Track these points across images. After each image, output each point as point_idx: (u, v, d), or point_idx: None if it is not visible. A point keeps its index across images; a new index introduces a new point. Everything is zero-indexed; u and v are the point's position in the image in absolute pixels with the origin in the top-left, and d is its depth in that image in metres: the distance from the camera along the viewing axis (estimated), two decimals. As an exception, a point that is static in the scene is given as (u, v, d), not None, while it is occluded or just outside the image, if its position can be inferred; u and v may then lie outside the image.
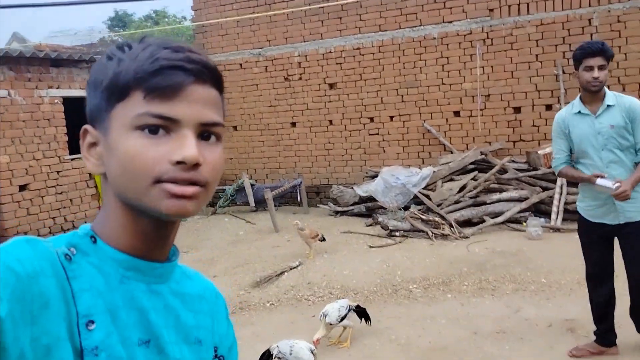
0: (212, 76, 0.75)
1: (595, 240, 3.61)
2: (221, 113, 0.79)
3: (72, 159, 8.15)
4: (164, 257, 0.80)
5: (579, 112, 3.51)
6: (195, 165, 0.70)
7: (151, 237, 0.76)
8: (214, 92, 0.76)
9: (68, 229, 8.03)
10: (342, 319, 4.12)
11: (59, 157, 8.00)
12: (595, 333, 3.83)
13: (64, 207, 8.04)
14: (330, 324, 4.04)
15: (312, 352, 3.70)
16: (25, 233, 7.44)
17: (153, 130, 0.70)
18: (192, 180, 0.71)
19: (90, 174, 8.41)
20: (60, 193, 8.00)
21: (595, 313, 3.83)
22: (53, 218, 7.89)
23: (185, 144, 0.70)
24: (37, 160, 7.69)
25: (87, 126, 0.76)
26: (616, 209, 3.41)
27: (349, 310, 4.20)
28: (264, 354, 3.75)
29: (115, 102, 0.72)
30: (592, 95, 3.44)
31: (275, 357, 3.70)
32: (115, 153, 0.71)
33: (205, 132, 0.74)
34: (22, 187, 7.49)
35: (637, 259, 3.49)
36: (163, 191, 0.70)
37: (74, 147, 8.23)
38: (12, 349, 0.57)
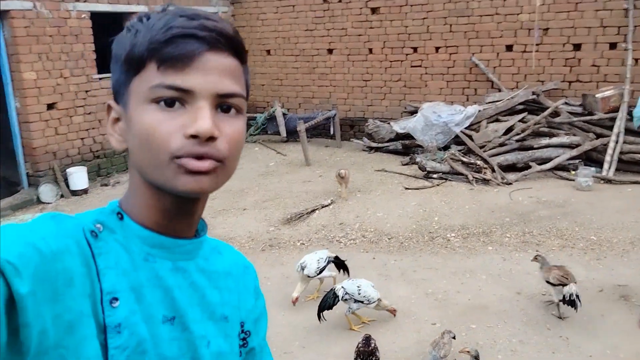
0: (229, 44, 0.71)
1: None
2: (242, 83, 0.74)
3: (100, 79, 7.85)
4: (191, 233, 0.79)
5: None
6: (211, 139, 0.68)
7: (175, 213, 0.74)
8: (232, 61, 0.72)
9: (97, 151, 7.90)
10: (321, 271, 3.88)
11: (87, 75, 7.69)
12: None
13: (93, 128, 7.83)
14: (309, 277, 3.80)
15: (373, 287, 3.63)
16: (54, 153, 7.32)
17: (169, 103, 0.68)
18: (208, 154, 0.68)
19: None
20: (89, 113, 7.77)
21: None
22: (82, 139, 7.71)
23: (199, 116, 0.67)
24: (64, 78, 7.40)
25: (110, 102, 0.75)
26: None
27: (328, 261, 3.95)
28: (327, 297, 3.63)
29: (132, 76, 0.70)
30: None
31: (342, 299, 3.59)
32: (133, 128, 0.70)
33: (223, 104, 0.71)
34: (50, 106, 7.27)
35: None
36: (179, 167, 0.68)
37: (102, 66, 7.90)
38: (34, 325, 0.57)
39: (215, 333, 0.78)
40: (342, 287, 3.60)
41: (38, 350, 0.58)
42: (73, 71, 7.51)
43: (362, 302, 3.56)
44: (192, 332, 0.75)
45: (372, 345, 3.05)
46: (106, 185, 7.63)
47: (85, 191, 7.29)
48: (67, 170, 7.26)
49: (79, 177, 7.26)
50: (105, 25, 8.17)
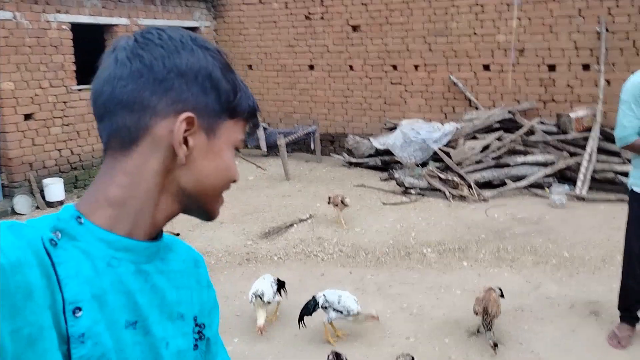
0: None
1: None
2: None
3: (79, 90, 7.80)
4: (155, 236, 0.81)
5: None
6: None
7: (168, 220, 0.81)
8: None
9: (74, 162, 7.81)
10: (274, 294, 3.84)
11: (66, 86, 7.65)
12: (621, 317, 3.60)
13: (71, 140, 7.77)
14: (269, 303, 3.75)
15: (355, 301, 3.62)
16: (31, 164, 7.23)
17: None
18: None
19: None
20: (67, 125, 7.71)
21: (626, 298, 3.57)
22: (59, 150, 7.64)
23: (237, 168, 0.85)
24: (43, 89, 7.35)
25: (193, 115, 0.76)
26: None
27: (277, 284, 3.91)
28: (308, 303, 3.63)
29: (226, 117, 0.80)
30: None
31: (321, 306, 3.58)
32: (217, 159, 0.79)
33: None
34: (28, 116, 7.20)
35: None
36: (222, 200, 0.84)
37: (81, 77, 7.86)
38: None
39: (173, 333, 0.80)
40: (324, 294, 3.61)
41: None
42: (52, 82, 7.46)
43: (340, 312, 3.56)
44: (153, 335, 0.76)
45: (345, 359, 3.05)
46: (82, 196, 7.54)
47: (61, 202, 7.19)
48: (44, 181, 7.18)
49: (55, 188, 7.17)
50: (86, 35, 8.17)
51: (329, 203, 5.88)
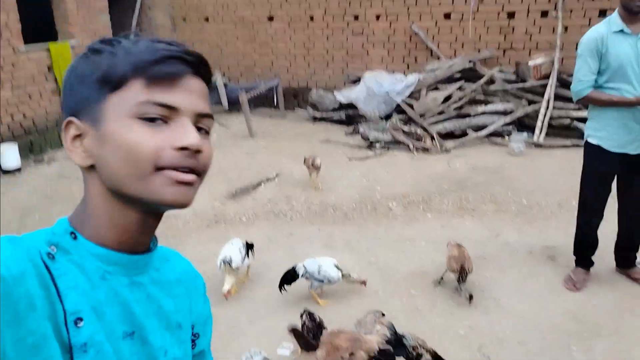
0: (205, 71, 0.78)
1: (609, 171, 3.47)
2: (210, 106, 0.80)
3: (27, 50, 7.42)
4: (146, 248, 0.81)
5: (621, 30, 3.18)
6: (197, 152, 0.73)
7: (138, 230, 0.77)
8: (204, 85, 0.78)
9: (28, 127, 7.52)
10: (244, 259, 3.84)
11: (12, 47, 7.25)
12: (576, 261, 3.82)
13: (22, 103, 7.44)
14: (238, 268, 3.77)
15: (337, 267, 3.64)
16: (-19, 131, 6.92)
17: (151, 119, 0.72)
18: (192, 167, 0.73)
19: (49, 67, 7.73)
20: (17, 87, 7.36)
21: (581, 245, 3.78)
22: (11, 115, 7.32)
23: (188, 131, 0.72)
24: (-13, 50, 6.96)
25: (71, 118, 0.76)
26: None
27: (247, 247, 3.90)
28: (288, 272, 3.65)
29: (108, 93, 0.73)
30: (634, 16, 3.12)
31: (302, 277, 3.62)
32: (113, 143, 0.72)
33: (199, 123, 0.76)
34: (-26, 80, 6.84)
35: None
36: (166, 178, 0.71)
37: (28, 36, 7.46)
38: None
39: (171, 342, 0.82)
40: (304, 265, 3.65)
41: None
42: (-3, 43, 7.05)
43: (322, 281, 3.62)
44: (151, 344, 0.78)
45: (318, 318, 3.16)
46: (40, 162, 7.31)
47: (18, 169, 6.97)
48: (-3, 148, 6.91)
49: (10, 154, 6.92)
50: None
51: (304, 163, 5.77)
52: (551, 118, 6.96)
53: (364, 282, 3.75)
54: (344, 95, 7.99)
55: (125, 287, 0.77)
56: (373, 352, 2.61)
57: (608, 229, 3.77)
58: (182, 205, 0.73)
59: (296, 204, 5.44)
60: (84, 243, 0.75)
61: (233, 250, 3.80)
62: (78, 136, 0.76)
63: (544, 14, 7.56)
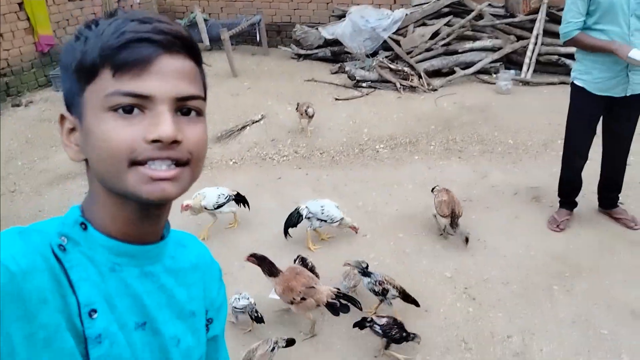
0: (185, 46, 0.70)
1: (594, 114, 3.48)
2: (200, 85, 0.74)
3: (-6, -14, 7.00)
4: (157, 237, 0.79)
5: None
6: (174, 143, 0.67)
7: (140, 221, 0.74)
8: (188, 63, 0.71)
9: (2, 68, 7.23)
10: (219, 207, 3.83)
11: (-23, -18, 6.84)
12: (560, 202, 3.89)
13: (-6, 43, 7.12)
14: (206, 208, 3.79)
15: (337, 207, 3.70)
16: (-48, 73, 6.64)
17: (127, 110, 0.67)
18: (171, 158, 0.68)
19: (20, 4, 7.33)
20: (-13, 26, 7.02)
21: (565, 186, 3.83)
22: (-18, 55, 7.02)
23: (160, 121, 0.67)
24: (-49, -14, 6.56)
25: (63, 112, 0.74)
26: (627, 81, 3.26)
27: (228, 199, 3.89)
28: (292, 215, 3.70)
29: (85, 84, 0.68)
30: None
31: (305, 217, 3.67)
32: (91, 137, 0.68)
33: (183, 107, 0.70)
34: (-61, 20, 6.49)
35: (630, 131, 3.51)
36: (141, 175, 0.67)
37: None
38: (2, 346, 0.57)
39: (184, 331, 0.81)
40: (306, 206, 3.69)
41: None
42: (-40, -22, 6.64)
43: (325, 220, 3.66)
44: (162, 334, 0.77)
45: (310, 264, 3.21)
46: (18, 105, 7.09)
47: (-5, 114, 6.77)
48: (-29, 92, 6.67)
49: (-15, 99, 6.69)
50: None
51: (296, 110, 5.59)
52: (539, 54, 6.87)
53: (356, 229, 3.79)
54: (328, 31, 7.76)
55: (136, 278, 0.75)
56: (322, 302, 2.81)
57: (592, 170, 3.82)
58: (162, 200, 0.69)
59: (283, 147, 5.40)
60: (93, 234, 0.73)
61: (212, 192, 3.84)
62: (72, 130, 0.73)
63: (536, -57, 7.27)
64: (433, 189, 3.92)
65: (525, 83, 6.72)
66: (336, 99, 6.49)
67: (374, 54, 7.38)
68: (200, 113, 0.73)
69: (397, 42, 7.29)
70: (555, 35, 6.86)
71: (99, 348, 0.68)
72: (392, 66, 6.84)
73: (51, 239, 0.69)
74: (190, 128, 0.70)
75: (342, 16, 8.02)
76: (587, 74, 3.37)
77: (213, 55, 8.60)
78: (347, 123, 5.83)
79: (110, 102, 0.66)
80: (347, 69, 6.93)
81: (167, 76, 0.67)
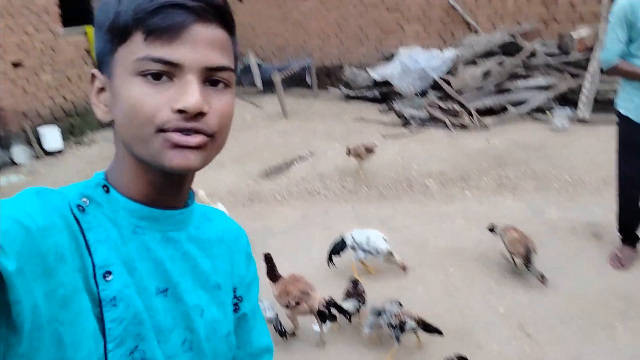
0: (218, 15, 0.68)
1: None
2: (231, 56, 0.72)
3: (66, 34, 7.55)
4: (181, 204, 0.78)
5: None
6: (200, 114, 0.66)
7: (163, 186, 0.73)
8: (221, 32, 0.69)
9: (68, 109, 7.69)
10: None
11: (52, 31, 7.40)
12: (622, 238, 3.67)
13: (62, 86, 7.61)
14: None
15: (384, 240, 3.60)
16: (24, 113, 7.12)
17: (156, 76, 0.66)
18: (196, 129, 0.66)
19: (87, 50, 7.86)
20: (57, 71, 7.53)
21: (623, 220, 3.62)
22: (52, 97, 7.51)
23: (187, 91, 0.65)
24: (28, 34, 7.12)
25: (94, 70, 0.73)
26: None
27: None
28: (336, 243, 3.66)
29: (117, 45, 0.67)
30: None
31: (350, 247, 3.61)
32: (118, 100, 0.68)
33: (212, 77, 0.69)
34: (16, 65, 7.02)
35: None
36: (165, 141, 0.66)
37: (67, 20, 7.59)
38: (25, 302, 0.56)
39: (208, 302, 0.79)
40: (351, 235, 3.63)
41: (32, 326, 0.57)
42: (37, 27, 7.21)
43: (370, 252, 3.57)
44: (185, 302, 0.75)
45: (361, 288, 3.15)
46: (80, 144, 7.49)
47: (60, 151, 7.15)
48: (39, 130, 7.10)
49: (52, 136, 7.11)
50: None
51: (348, 154, 5.37)
52: (596, 92, 6.66)
53: (404, 267, 3.66)
54: (377, 73, 7.85)
55: (158, 243, 0.74)
56: (313, 309, 2.92)
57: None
58: (185, 170, 0.68)
59: (330, 182, 5.39)
60: (116, 197, 0.72)
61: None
62: (102, 89, 0.72)
63: (589, -17, 7.20)
64: (492, 228, 3.74)
65: (582, 121, 6.50)
66: (384, 136, 6.47)
67: (424, 94, 7.38)
68: (228, 85, 0.71)
69: (447, 82, 7.28)
70: (613, 72, 6.67)
71: (113, 311, 0.67)
72: (442, 105, 6.81)
73: (71, 199, 0.69)
74: (217, 99, 0.69)
75: (390, 58, 8.12)
76: (630, 102, 3.25)
77: (265, 97, 8.86)
78: (396, 159, 5.78)
79: (139, 66, 0.65)
80: (395, 107, 6.94)
81: (198, 45, 0.66)
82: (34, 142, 7.05)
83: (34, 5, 7.13)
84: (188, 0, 0.65)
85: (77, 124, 7.80)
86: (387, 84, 7.80)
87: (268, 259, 3.15)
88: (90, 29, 7.85)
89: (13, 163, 6.83)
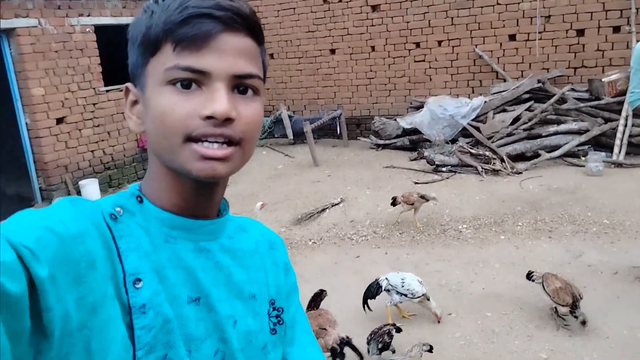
0: (246, 24, 0.70)
1: None
2: (259, 64, 0.73)
3: (107, 91, 7.94)
4: (213, 214, 0.79)
5: None
6: (228, 120, 0.67)
7: (194, 196, 0.74)
8: (248, 41, 0.71)
9: (107, 162, 7.98)
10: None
11: (94, 88, 7.79)
12: None
13: (102, 140, 7.92)
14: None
15: (420, 282, 3.56)
16: (65, 167, 7.41)
17: (185, 84, 0.67)
18: (224, 135, 0.68)
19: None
20: (98, 126, 7.86)
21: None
22: (92, 151, 7.81)
23: (215, 98, 0.67)
24: (72, 92, 7.50)
25: (128, 84, 0.75)
26: None
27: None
28: (371, 286, 3.63)
29: (149, 57, 0.69)
30: None
31: (384, 289, 3.58)
32: (149, 110, 0.70)
33: (240, 85, 0.70)
34: (59, 120, 7.37)
35: None
36: (193, 152, 0.67)
37: (108, 79, 8.00)
38: (56, 309, 0.57)
39: (243, 312, 0.78)
40: (386, 278, 3.58)
41: (62, 333, 0.58)
42: (80, 85, 7.60)
43: (405, 295, 3.51)
44: (218, 312, 0.74)
45: (400, 329, 3.12)
46: (118, 195, 7.71)
47: (97, 202, 7.37)
48: (79, 182, 7.35)
49: (91, 188, 7.34)
50: (110, 38, 8.30)
51: (393, 204, 5.23)
52: (630, 136, 6.56)
53: (438, 317, 3.56)
54: (406, 121, 7.94)
55: (190, 252, 0.74)
56: (327, 345, 2.93)
57: None
58: (211, 178, 0.69)
59: (361, 228, 5.37)
60: (148, 206, 0.74)
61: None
62: (135, 102, 0.75)
63: (616, 29, 7.25)
64: (530, 275, 3.61)
65: (618, 165, 6.39)
66: (415, 183, 6.47)
67: (453, 141, 7.40)
68: (257, 92, 0.72)
69: (477, 129, 7.29)
70: (647, 116, 6.59)
71: (143, 318, 0.67)
72: (472, 151, 6.80)
73: (105, 208, 0.70)
74: (245, 106, 0.70)
75: (419, 107, 8.22)
76: None
77: (296, 148, 9.02)
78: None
79: (169, 76, 0.67)
80: (425, 154, 6.96)
81: (225, 53, 0.67)
82: (73, 194, 7.29)
83: (78, 66, 7.56)
84: (215, 10, 0.67)
85: (115, 176, 8.06)
86: (416, 132, 7.86)
87: (318, 294, 3.23)
88: (129, 86, 8.23)
89: (53, 214, 7.06)
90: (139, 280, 0.68)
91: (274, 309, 0.85)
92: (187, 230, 0.75)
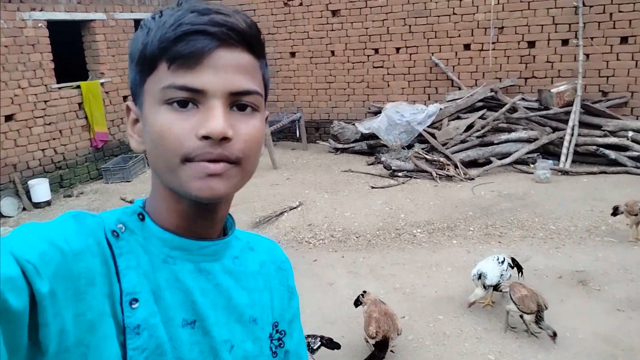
0: (242, 39, 0.67)
1: None
2: (258, 79, 0.70)
3: (59, 88, 7.70)
4: (215, 234, 0.76)
5: None
6: (225, 140, 0.65)
7: (194, 216, 0.72)
8: (246, 56, 0.68)
9: (59, 162, 7.74)
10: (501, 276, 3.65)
11: (45, 85, 7.54)
12: None
13: (54, 139, 7.68)
14: (490, 286, 3.63)
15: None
16: (14, 166, 7.15)
17: (182, 103, 0.65)
18: (222, 156, 0.65)
19: (79, 104, 8.00)
20: (49, 124, 7.61)
21: None
22: (42, 150, 7.56)
23: (211, 117, 0.64)
24: (22, 88, 7.24)
25: (129, 102, 0.74)
26: None
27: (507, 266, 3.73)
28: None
29: (146, 76, 0.68)
30: None
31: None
32: (147, 129, 0.68)
33: (238, 102, 0.67)
34: (8, 118, 7.10)
35: None
36: (192, 171, 0.65)
37: (61, 75, 7.77)
38: (53, 325, 0.57)
39: (242, 337, 0.76)
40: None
41: (58, 349, 0.57)
42: (31, 81, 7.35)
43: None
44: (213, 336, 0.72)
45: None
46: (70, 196, 7.48)
47: (48, 203, 7.14)
48: (29, 182, 7.11)
49: (40, 189, 7.11)
50: (63, 32, 8.07)
51: (614, 214, 4.68)
52: (576, 145, 6.88)
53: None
54: (365, 126, 8.06)
55: (189, 273, 0.72)
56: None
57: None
58: (210, 199, 0.66)
59: (319, 232, 5.42)
60: (150, 225, 0.72)
61: (493, 268, 3.73)
62: (136, 121, 0.73)
63: (565, 42, 7.58)
64: (496, 286, 3.68)
65: (564, 172, 6.68)
66: (372, 187, 6.57)
67: (410, 147, 7.56)
68: (256, 109, 0.69)
69: (432, 135, 7.48)
70: (591, 126, 6.92)
71: (136, 339, 0.65)
72: (428, 157, 6.97)
73: (107, 224, 0.69)
74: (244, 124, 0.67)
75: (377, 112, 8.36)
76: None
77: (254, 150, 8.98)
78: (383, 209, 5.85)
79: (165, 95, 0.65)
80: (382, 159, 7.09)
81: (221, 70, 0.65)
82: (22, 194, 7.04)
83: (29, 62, 7.31)
84: (210, 26, 0.64)
85: (67, 176, 7.83)
86: (373, 137, 7.99)
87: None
88: (84, 84, 8.02)
89: (1, 215, 6.79)
90: (136, 300, 0.67)
91: (277, 331, 0.83)
92: (187, 252, 0.73)
